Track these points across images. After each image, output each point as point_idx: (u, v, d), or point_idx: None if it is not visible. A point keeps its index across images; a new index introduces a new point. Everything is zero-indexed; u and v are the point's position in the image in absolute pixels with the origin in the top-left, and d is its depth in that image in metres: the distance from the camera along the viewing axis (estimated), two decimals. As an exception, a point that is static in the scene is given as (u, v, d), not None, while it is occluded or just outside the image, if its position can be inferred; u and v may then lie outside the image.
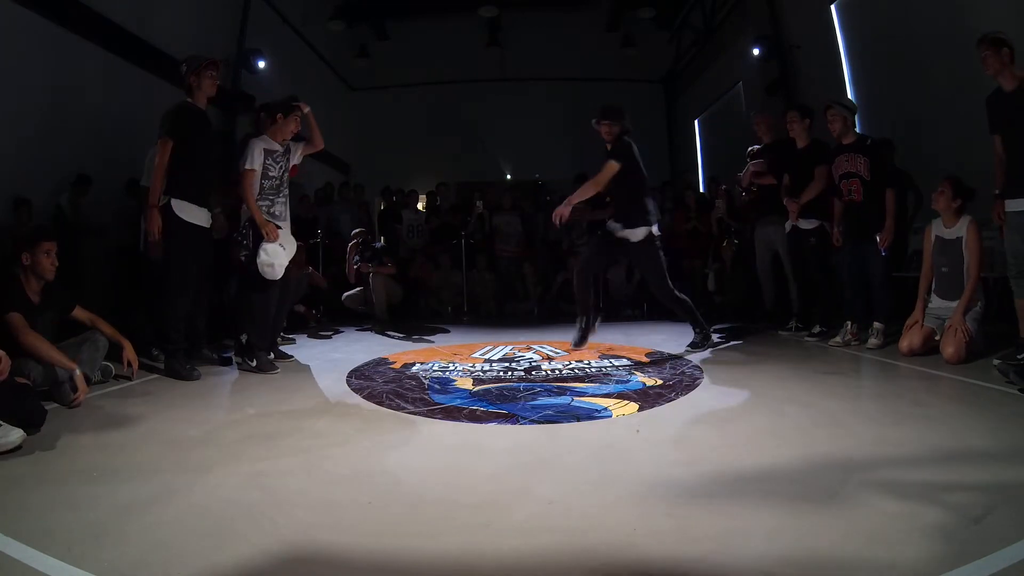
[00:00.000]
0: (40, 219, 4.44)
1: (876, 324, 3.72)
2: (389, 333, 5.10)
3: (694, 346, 3.80)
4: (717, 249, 6.08)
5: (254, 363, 3.36)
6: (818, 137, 4.21)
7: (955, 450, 1.83)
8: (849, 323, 3.88)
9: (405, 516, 1.47)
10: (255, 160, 3.34)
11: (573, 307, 6.47)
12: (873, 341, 3.68)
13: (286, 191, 3.58)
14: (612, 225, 3.70)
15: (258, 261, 3.32)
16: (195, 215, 3.26)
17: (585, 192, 3.70)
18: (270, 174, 3.43)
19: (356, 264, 5.78)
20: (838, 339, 3.88)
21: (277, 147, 3.46)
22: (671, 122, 11.48)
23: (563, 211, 3.61)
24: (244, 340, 3.45)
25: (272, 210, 3.45)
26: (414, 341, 4.67)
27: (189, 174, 3.20)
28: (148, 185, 3.72)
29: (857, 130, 3.98)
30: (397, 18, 10.30)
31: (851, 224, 3.84)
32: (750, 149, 4.86)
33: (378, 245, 5.96)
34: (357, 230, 6.01)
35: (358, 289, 5.89)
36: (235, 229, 3.69)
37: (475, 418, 2.35)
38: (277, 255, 3.37)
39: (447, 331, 5.25)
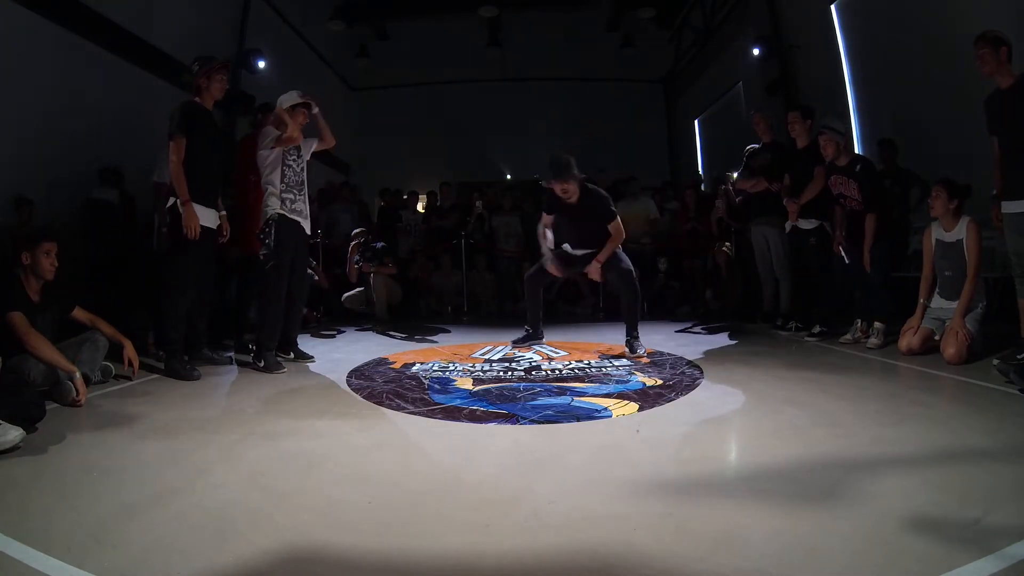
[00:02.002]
0: (40, 219, 4.44)
1: (876, 324, 3.73)
2: (389, 333, 5.10)
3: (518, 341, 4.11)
4: (714, 251, 6.08)
5: (261, 363, 3.35)
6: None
7: (955, 450, 1.83)
8: (859, 321, 3.92)
9: (405, 516, 1.47)
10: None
11: (573, 307, 6.54)
12: (873, 341, 3.69)
13: (306, 189, 3.58)
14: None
15: None
16: (201, 215, 3.24)
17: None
18: (292, 168, 3.44)
19: (357, 264, 5.78)
20: (848, 336, 3.92)
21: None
22: (671, 122, 11.47)
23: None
24: (251, 340, 3.44)
25: (294, 206, 3.45)
26: (414, 341, 4.67)
27: (196, 174, 3.19)
28: (160, 181, 3.75)
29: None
30: (397, 18, 10.30)
31: (853, 228, 3.89)
32: (747, 148, 4.86)
33: (379, 245, 5.96)
34: (358, 230, 6.01)
35: (359, 289, 5.89)
36: (238, 230, 3.69)
37: (475, 418, 2.35)
38: None
39: (447, 331, 5.24)
